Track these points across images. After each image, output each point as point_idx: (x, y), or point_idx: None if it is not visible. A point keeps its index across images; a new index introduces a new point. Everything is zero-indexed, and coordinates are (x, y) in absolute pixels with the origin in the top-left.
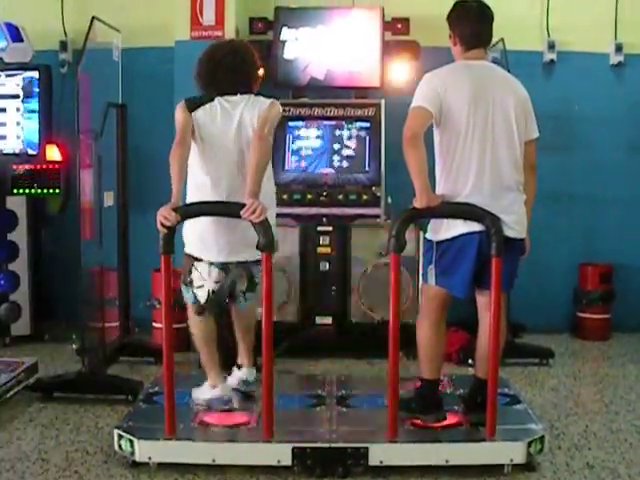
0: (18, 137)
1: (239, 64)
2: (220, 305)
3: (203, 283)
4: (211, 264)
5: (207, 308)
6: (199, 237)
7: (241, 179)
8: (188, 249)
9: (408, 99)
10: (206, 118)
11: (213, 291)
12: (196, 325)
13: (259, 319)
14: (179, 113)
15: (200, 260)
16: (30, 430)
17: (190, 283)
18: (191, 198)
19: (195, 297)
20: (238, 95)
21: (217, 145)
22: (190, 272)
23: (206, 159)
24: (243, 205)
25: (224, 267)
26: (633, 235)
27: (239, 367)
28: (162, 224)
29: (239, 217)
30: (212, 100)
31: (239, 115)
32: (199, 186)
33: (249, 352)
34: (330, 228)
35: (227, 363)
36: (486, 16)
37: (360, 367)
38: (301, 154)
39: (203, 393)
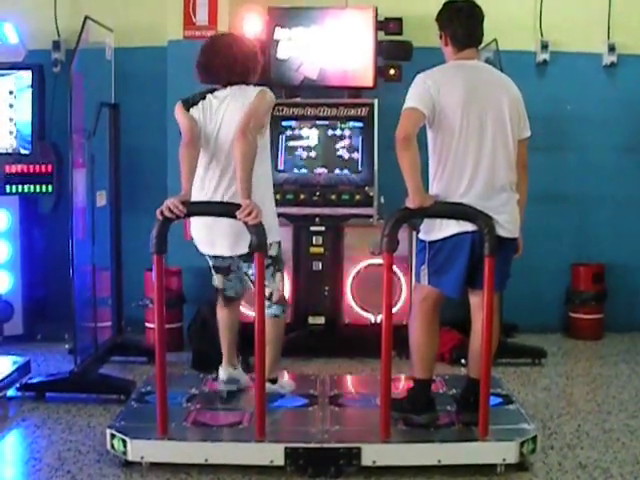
0: (11, 136)
1: (236, 54)
2: (236, 295)
3: (212, 270)
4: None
5: (223, 295)
6: (194, 230)
7: (227, 173)
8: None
9: (401, 99)
10: (199, 116)
11: (218, 285)
12: (218, 312)
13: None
14: (180, 114)
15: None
16: (22, 430)
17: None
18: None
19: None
20: (228, 88)
21: (210, 141)
22: None
23: (202, 155)
24: (239, 206)
25: (216, 264)
26: (625, 235)
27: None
28: (164, 214)
29: (235, 217)
30: (204, 98)
31: (224, 109)
32: (195, 181)
33: (267, 366)
34: (323, 228)
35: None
36: (476, 15)
37: (353, 367)
38: (294, 154)
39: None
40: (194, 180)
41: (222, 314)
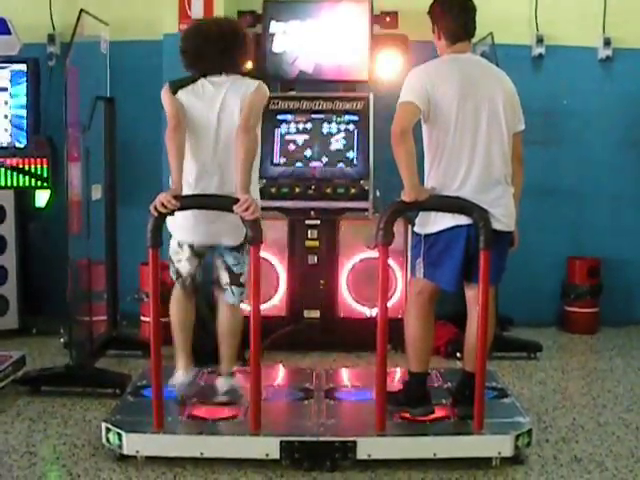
0: (6, 130)
1: (229, 40)
2: (198, 286)
3: (180, 257)
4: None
5: (189, 283)
6: (179, 220)
7: (224, 164)
8: (170, 228)
9: (396, 93)
10: (189, 100)
11: (190, 271)
12: (175, 309)
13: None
14: (166, 97)
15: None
16: (18, 424)
17: (171, 259)
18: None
19: (178, 271)
20: (223, 75)
21: (200, 128)
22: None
23: (189, 142)
24: (236, 200)
25: (197, 250)
26: (621, 229)
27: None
28: (158, 210)
29: (232, 211)
30: (195, 81)
31: (222, 97)
32: (185, 170)
33: (229, 358)
34: (318, 222)
35: (202, 360)
36: (469, 9)
37: (348, 360)
38: (289, 147)
39: (173, 379)
40: (188, 170)
41: (183, 308)
